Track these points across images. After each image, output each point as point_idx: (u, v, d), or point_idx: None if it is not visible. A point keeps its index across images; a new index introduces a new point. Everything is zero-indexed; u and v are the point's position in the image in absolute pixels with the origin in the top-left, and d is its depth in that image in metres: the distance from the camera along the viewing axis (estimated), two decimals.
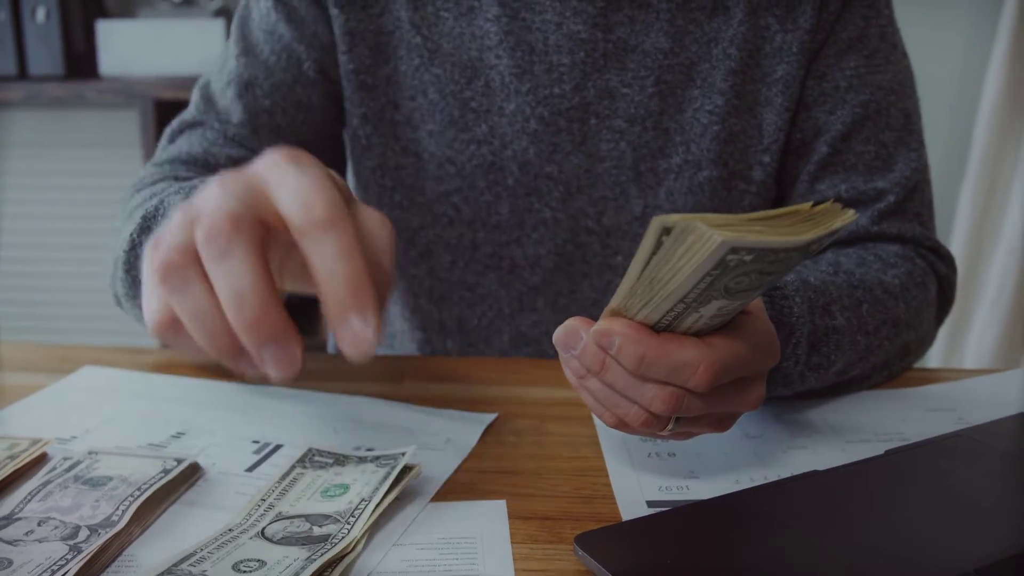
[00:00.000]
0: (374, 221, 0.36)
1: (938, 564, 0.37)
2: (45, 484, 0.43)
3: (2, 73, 1.77)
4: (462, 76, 0.67)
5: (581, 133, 0.68)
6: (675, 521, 0.41)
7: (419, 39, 0.67)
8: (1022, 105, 1.70)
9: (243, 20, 0.71)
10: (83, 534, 0.38)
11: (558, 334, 0.42)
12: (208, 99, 0.70)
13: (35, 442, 0.47)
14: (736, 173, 0.69)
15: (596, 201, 0.69)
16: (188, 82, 0.73)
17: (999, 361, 1.76)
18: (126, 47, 1.77)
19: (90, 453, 0.46)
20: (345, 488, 0.43)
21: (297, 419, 0.53)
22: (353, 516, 0.40)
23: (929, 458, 0.48)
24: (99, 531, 0.38)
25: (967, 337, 1.84)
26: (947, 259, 0.68)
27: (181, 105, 0.77)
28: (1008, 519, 0.41)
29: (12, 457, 0.46)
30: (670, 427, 0.42)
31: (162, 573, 0.35)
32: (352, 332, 0.32)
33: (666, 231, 0.32)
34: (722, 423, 0.44)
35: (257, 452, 0.49)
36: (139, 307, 0.52)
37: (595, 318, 0.41)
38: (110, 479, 0.43)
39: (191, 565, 0.36)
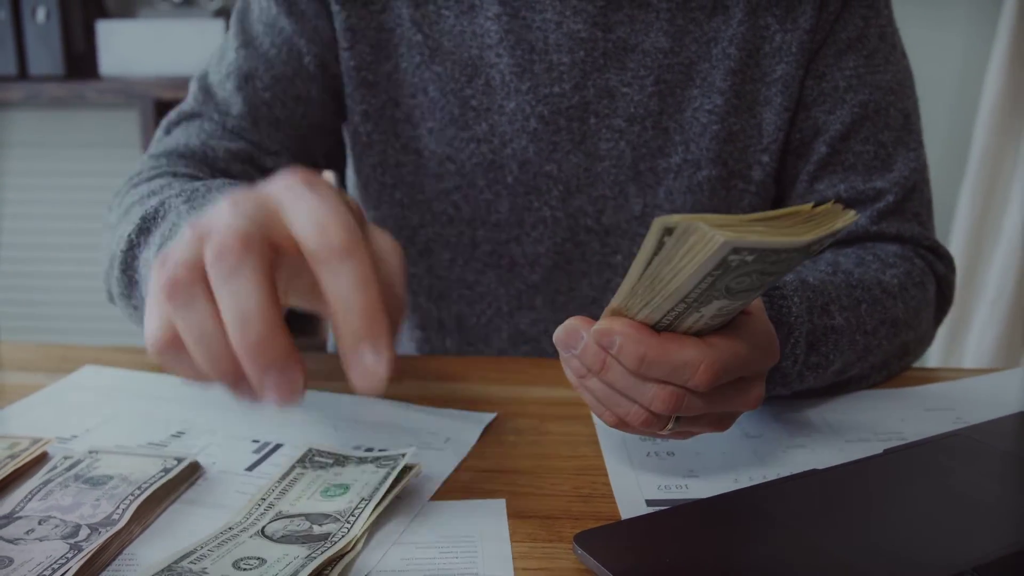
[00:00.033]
0: (385, 245, 0.35)
1: (936, 563, 0.37)
2: (46, 483, 0.43)
3: (2, 73, 1.77)
4: (462, 74, 0.67)
5: (581, 132, 0.68)
6: (674, 520, 0.42)
7: (420, 37, 0.67)
8: (1021, 105, 1.71)
9: (242, 13, 0.70)
10: (84, 533, 0.38)
11: (559, 334, 0.42)
12: (206, 90, 0.69)
13: (35, 441, 0.48)
14: (735, 173, 0.69)
15: (595, 200, 0.69)
16: (188, 82, 0.73)
17: (998, 361, 1.76)
18: (126, 47, 1.77)
19: (90, 452, 0.46)
20: (345, 488, 0.43)
21: (297, 418, 0.54)
22: (353, 515, 0.40)
23: (927, 457, 0.48)
24: (100, 530, 0.39)
25: (966, 337, 1.84)
26: (946, 259, 0.69)
27: None
28: (1006, 518, 0.42)
29: (12, 456, 0.46)
30: (670, 426, 0.42)
31: (162, 571, 0.35)
32: (364, 366, 0.31)
33: (668, 231, 0.33)
34: (722, 422, 0.44)
35: (257, 451, 0.49)
36: (133, 307, 0.51)
37: (593, 316, 0.41)
38: (110, 478, 0.43)
39: (191, 563, 0.36)
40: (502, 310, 0.73)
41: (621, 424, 0.42)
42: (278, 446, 0.50)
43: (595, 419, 0.55)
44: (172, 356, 0.33)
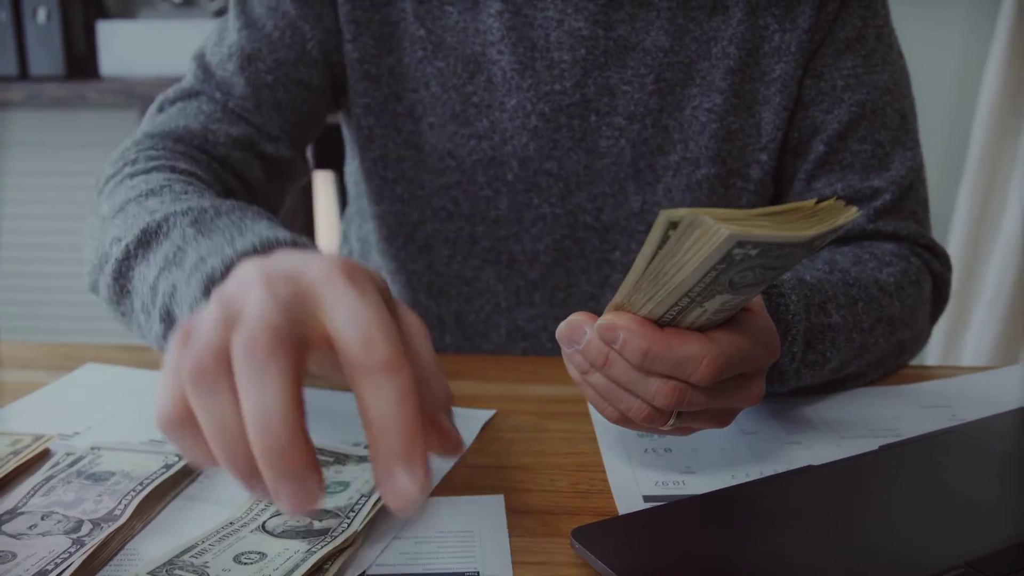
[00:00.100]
0: (414, 327, 0.34)
1: (930, 557, 0.38)
2: (48, 479, 0.43)
3: (3, 73, 1.77)
4: (464, 70, 0.68)
5: (581, 130, 0.68)
6: (671, 515, 0.42)
7: (423, 32, 0.67)
8: (1020, 105, 1.71)
9: None
10: (86, 528, 0.39)
11: (561, 329, 0.42)
12: (206, 69, 0.68)
13: (38, 438, 0.48)
14: (734, 171, 0.69)
15: (595, 197, 0.70)
16: None
17: (996, 360, 1.76)
18: (126, 48, 1.77)
19: (92, 449, 0.46)
20: (345, 486, 0.43)
21: None
22: (353, 511, 0.40)
23: (923, 454, 0.48)
24: (102, 525, 0.39)
25: (965, 336, 1.84)
26: (942, 257, 0.69)
27: None
28: (1000, 514, 0.42)
29: (15, 453, 0.46)
30: (671, 422, 0.42)
31: (164, 565, 0.36)
32: (398, 486, 0.29)
33: (673, 225, 0.33)
34: (723, 418, 0.44)
35: None
36: (120, 313, 0.49)
37: (592, 313, 0.42)
38: (112, 474, 0.43)
39: (193, 557, 0.36)
40: (501, 306, 0.73)
41: (623, 420, 0.43)
42: None
43: (593, 416, 0.55)
44: (182, 434, 0.31)
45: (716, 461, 0.49)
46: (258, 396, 0.29)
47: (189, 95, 0.67)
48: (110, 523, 0.39)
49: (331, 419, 0.54)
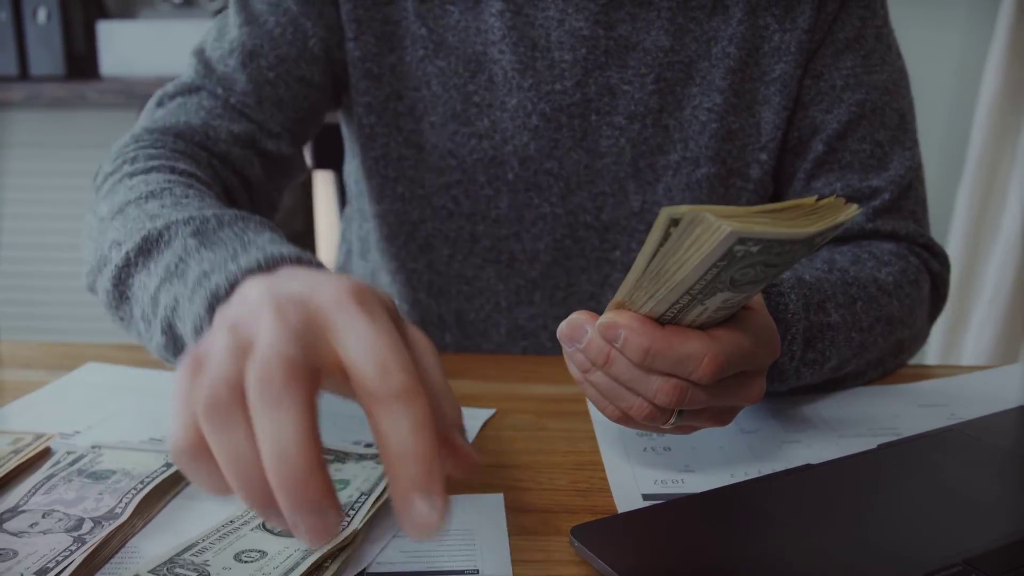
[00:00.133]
0: (422, 346, 0.33)
1: (928, 555, 0.38)
2: (49, 477, 0.43)
3: (3, 73, 1.77)
4: (466, 70, 0.68)
5: (582, 129, 0.68)
6: (669, 513, 0.42)
7: (424, 31, 0.68)
8: (1019, 105, 1.71)
9: None
10: (87, 526, 0.39)
11: (562, 328, 0.42)
12: (206, 64, 0.67)
13: (39, 437, 0.48)
14: (734, 171, 0.70)
15: (595, 197, 0.70)
16: None
17: (996, 359, 1.76)
18: (127, 48, 1.78)
19: (93, 447, 0.46)
20: (345, 484, 0.43)
21: None
22: (353, 509, 0.41)
23: (921, 452, 0.48)
24: (102, 523, 0.39)
25: (964, 336, 1.84)
26: (940, 256, 0.69)
27: None
28: (997, 512, 0.42)
29: (16, 451, 0.46)
30: (672, 421, 0.42)
31: (165, 563, 0.36)
32: (417, 515, 0.29)
33: (674, 222, 0.33)
34: (723, 417, 0.44)
35: None
36: (120, 318, 0.49)
37: (592, 312, 0.42)
38: (113, 473, 0.43)
39: (193, 555, 0.37)
40: (501, 305, 0.73)
41: (624, 418, 0.43)
42: None
43: (593, 415, 0.55)
44: (196, 464, 0.30)
45: (715, 460, 0.49)
46: (275, 430, 0.28)
47: (189, 90, 0.67)
48: (111, 521, 0.39)
49: (331, 418, 0.54)
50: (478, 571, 0.38)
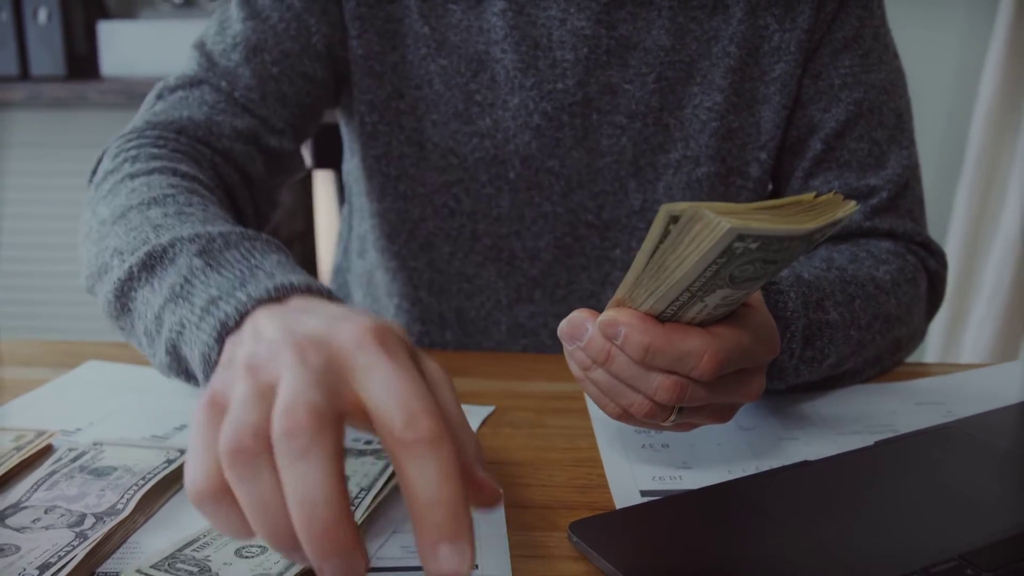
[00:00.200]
0: (439, 379, 0.33)
1: (924, 550, 0.38)
2: (51, 474, 0.43)
3: (4, 74, 1.78)
4: (468, 68, 0.68)
5: (583, 128, 0.69)
6: (667, 509, 0.42)
7: (427, 29, 0.68)
8: (1018, 104, 1.71)
9: None
10: (89, 522, 0.39)
11: (563, 326, 0.42)
12: (208, 57, 0.66)
13: (40, 434, 0.48)
14: (733, 169, 0.70)
15: (596, 195, 0.70)
16: None
17: (995, 357, 1.77)
18: (127, 48, 1.78)
19: (95, 444, 0.46)
20: (345, 479, 0.43)
21: None
22: (352, 505, 0.41)
23: (918, 449, 0.49)
24: (104, 519, 0.39)
25: (964, 334, 1.85)
26: (938, 255, 0.69)
27: None
28: (994, 508, 0.42)
29: (18, 448, 0.47)
30: (672, 418, 0.42)
31: (166, 558, 0.36)
32: (444, 563, 0.28)
33: (673, 219, 0.33)
34: (723, 414, 0.45)
35: None
36: (120, 328, 0.48)
37: (593, 310, 0.42)
38: (115, 469, 0.44)
39: (194, 550, 0.37)
40: (501, 303, 0.74)
41: (624, 416, 0.43)
42: None
43: (592, 412, 0.56)
44: (217, 508, 0.30)
45: (713, 456, 0.50)
46: (301, 480, 0.28)
47: (191, 84, 0.66)
48: (113, 517, 0.39)
49: None
50: (477, 567, 0.38)
